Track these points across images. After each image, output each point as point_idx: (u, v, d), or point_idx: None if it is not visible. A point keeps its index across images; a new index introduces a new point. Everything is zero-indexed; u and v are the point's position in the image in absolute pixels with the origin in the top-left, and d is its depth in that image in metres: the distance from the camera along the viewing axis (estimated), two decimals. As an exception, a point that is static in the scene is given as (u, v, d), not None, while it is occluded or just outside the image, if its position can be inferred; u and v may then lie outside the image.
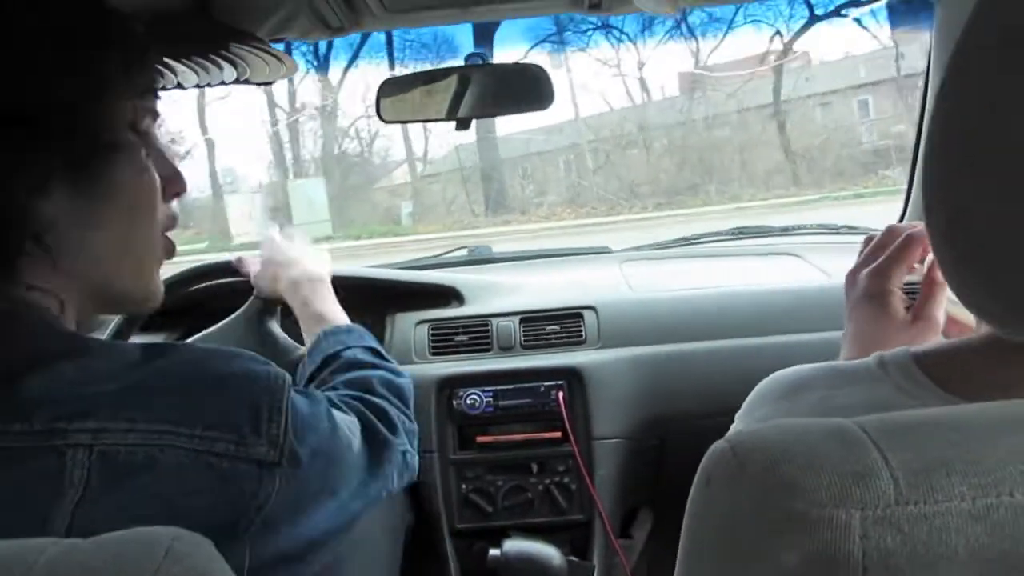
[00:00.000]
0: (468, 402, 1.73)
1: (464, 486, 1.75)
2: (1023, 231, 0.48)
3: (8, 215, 0.62)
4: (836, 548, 0.46)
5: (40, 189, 0.64)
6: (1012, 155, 0.48)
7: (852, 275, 0.87)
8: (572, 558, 1.65)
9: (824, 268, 1.93)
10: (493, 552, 1.58)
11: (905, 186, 1.89)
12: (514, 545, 1.59)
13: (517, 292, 1.92)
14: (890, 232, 0.84)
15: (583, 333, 1.80)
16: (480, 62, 1.46)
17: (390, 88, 1.49)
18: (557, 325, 1.82)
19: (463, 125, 1.46)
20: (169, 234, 0.80)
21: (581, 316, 1.82)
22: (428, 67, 1.49)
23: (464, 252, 2.28)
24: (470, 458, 1.76)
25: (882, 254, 0.84)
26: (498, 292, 1.92)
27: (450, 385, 1.76)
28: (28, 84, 0.62)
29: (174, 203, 0.80)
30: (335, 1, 1.23)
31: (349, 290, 1.52)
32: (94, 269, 0.69)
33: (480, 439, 1.75)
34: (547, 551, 1.60)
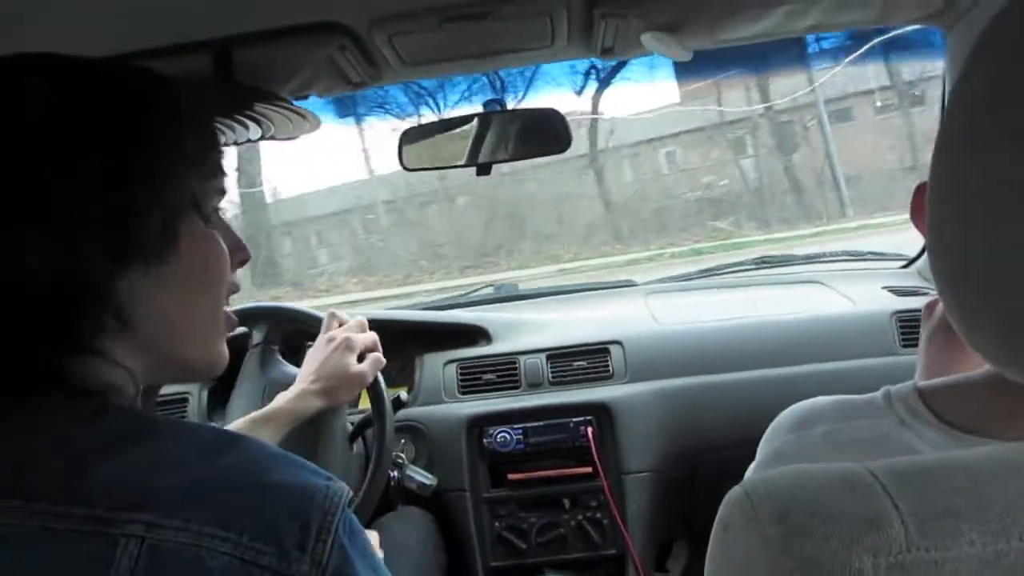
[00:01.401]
0: (499, 440, 1.75)
1: (497, 524, 1.77)
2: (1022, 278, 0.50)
3: (89, 292, 0.65)
4: None
5: (118, 267, 0.66)
6: (1006, 205, 0.50)
7: (929, 306, 0.88)
8: (606, 593, 1.65)
9: (848, 295, 1.93)
10: None
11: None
12: None
13: (543, 329, 1.95)
14: None
15: (610, 368, 1.82)
16: (498, 108, 1.51)
17: (412, 136, 1.54)
18: (584, 361, 1.84)
19: (484, 171, 1.49)
20: None
21: (608, 351, 1.84)
22: (447, 116, 1.52)
23: (490, 290, 2.31)
24: (503, 496, 1.77)
25: None
26: (525, 330, 1.95)
27: (480, 424, 1.78)
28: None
29: (238, 272, 0.83)
30: (355, 58, 1.28)
31: (378, 332, 1.55)
32: (164, 342, 0.71)
33: (512, 476, 1.77)
34: None
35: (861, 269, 2.12)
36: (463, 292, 2.30)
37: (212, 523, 0.60)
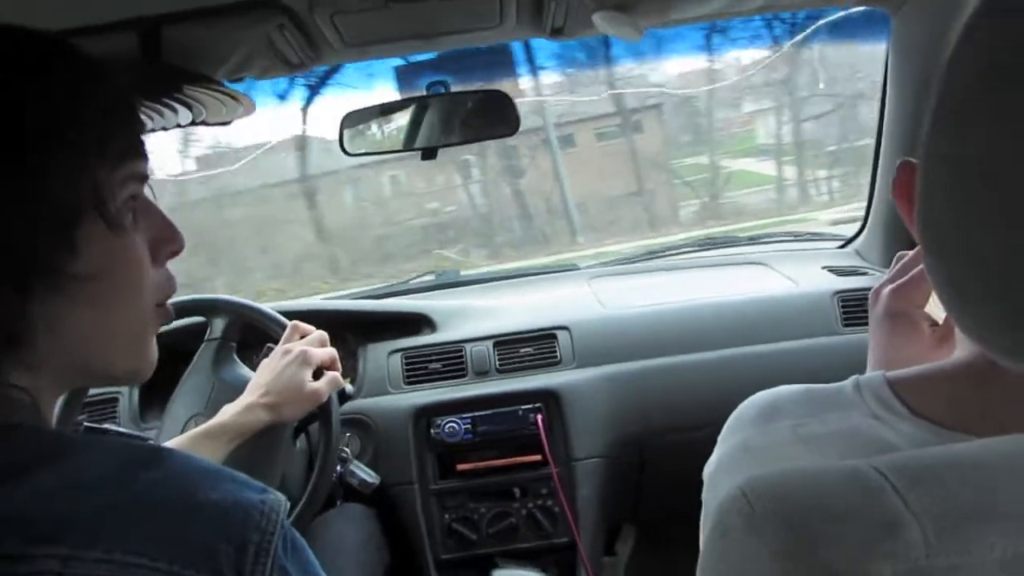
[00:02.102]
0: (447, 430, 1.71)
1: (447, 516, 1.73)
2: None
3: None
4: None
5: (16, 289, 0.58)
6: (1008, 193, 0.48)
7: (876, 292, 0.86)
8: (562, 582, 1.64)
9: (791, 275, 1.94)
10: None
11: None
12: (506, 574, 1.58)
13: (489, 316, 1.91)
14: (921, 252, 0.84)
15: (558, 353, 1.80)
16: (442, 90, 1.45)
17: (353, 120, 1.47)
18: (531, 347, 1.81)
19: (429, 155, 1.44)
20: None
21: (555, 336, 1.82)
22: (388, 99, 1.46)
23: (431, 277, 2.26)
24: (452, 487, 1.74)
25: (909, 272, 0.83)
26: (470, 317, 1.91)
27: (427, 414, 1.74)
28: None
29: (168, 265, 0.73)
30: (294, 39, 1.21)
31: (317, 323, 1.49)
32: (74, 355, 0.63)
33: (461, 467, 1.73)
34: None
35: (801, 249, 2.15)
36: (403, 280, 2.23)
37: (137, 551, 0.54)
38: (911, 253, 0.84)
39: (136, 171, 0.66)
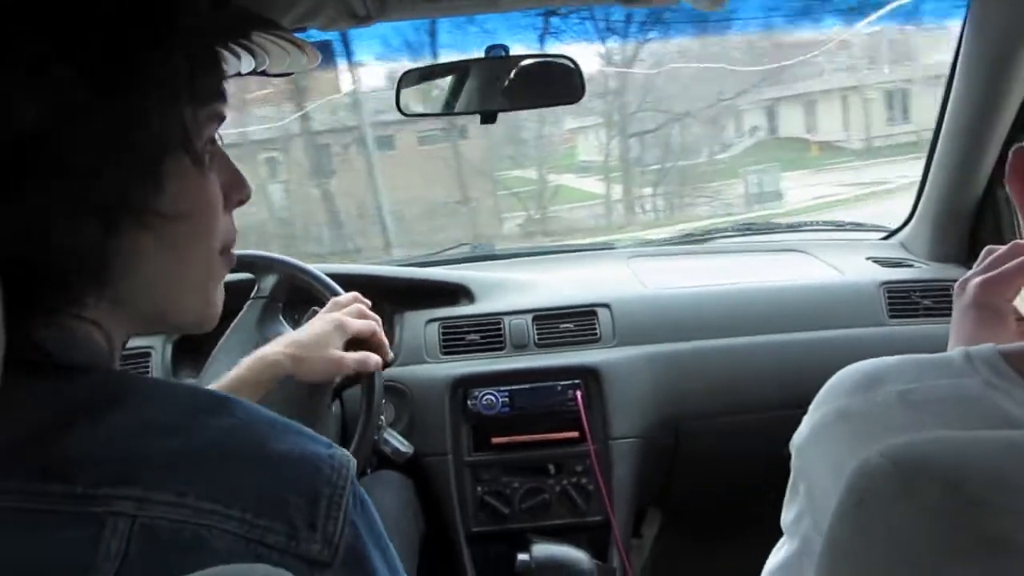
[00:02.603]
0: (484, 403, 1.69)
1: (480, 488, 1.71)
2: None
3: (65, 256, 0.55)
4: None
5: (103, 222, 0.56)
6: None
7: (963, 283, 0.85)
8: (596, 561, 1.62)
9: (835, 264, 1.92)
10: (522, 557, 1.54)
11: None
12: (543, 549, 1.56)
13: (528, 290, 1.88)
14: (1015, 247, 0.81)
15: (598, 331, 1.77)
16: (503, 54, 1.42)
17: (410, 79, 1.44)
18: (571, 323, 1.79)
19: (489, 119, 1.41)
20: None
21: (595, 314, 1.79)
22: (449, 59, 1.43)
23: (467, 248, 2.23)
24: (486, 460, 1.72)
25: (999, 267, 0.82)
26: (509, 290, 1.88)
27: (464, 385, 1.72)
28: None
29: (233, 214, 0.72)
30: None
31: (354, 289, 1.47)
32: (149, 297, 0.62)
33: (496, 440, 1.71)
34: (576, 555, 1.56)
35: (842, 239, 2.12)
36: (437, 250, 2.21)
37: (211, 497, 0.53)
38: (1003, 248, 0.83)
39: (218, 112, 0.66)
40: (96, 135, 0.55)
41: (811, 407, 0.67)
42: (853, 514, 0.52)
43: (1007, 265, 0.80)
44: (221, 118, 0.66)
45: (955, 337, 0.83)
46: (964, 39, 1.49)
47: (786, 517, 0.67)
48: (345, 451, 0.61)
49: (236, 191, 0.71)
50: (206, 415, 0.58)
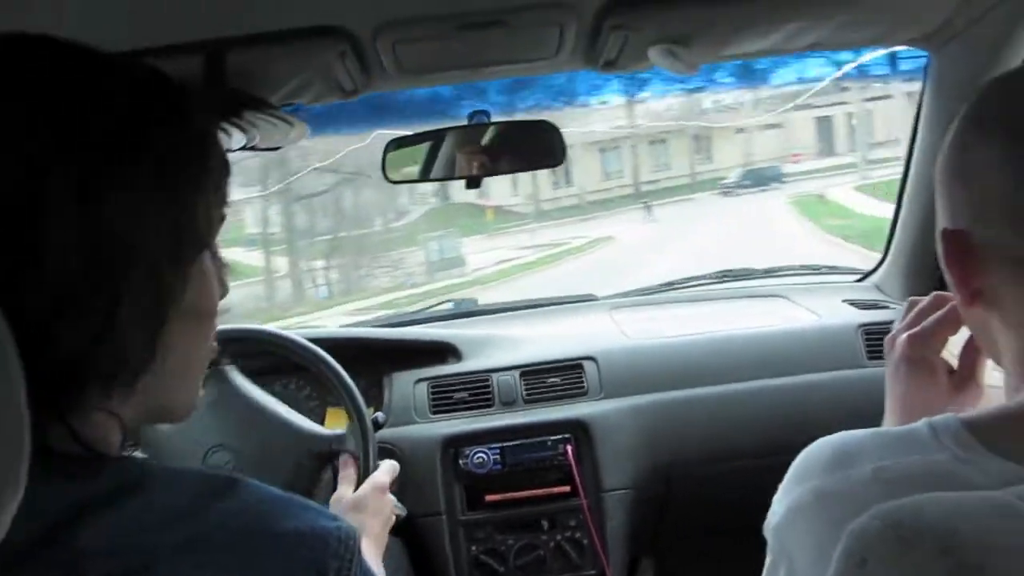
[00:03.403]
0: (475, 461, 1.70)
1: (474, 548, 1.71)
2: None
3: (115, 354, 0.57)
4: None
5: (157, 318, 0.59)
6: None
7: (892, 339, 0.87)
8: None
9: (812, 308, 1.96)
10: None
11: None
12: None
13: (514, 345, 1.91)
14: (937, 299, 0.84)
15: (585, 384, 1.79)
16: (485, 120, 1.46)
17: (395, 147, 1.48)
18: (558, 377, 1.81)
19: (474, 184, 1.45)
20: None
21: (582, 367, 1.82)
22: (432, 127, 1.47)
23: (450, 305, 2.25)
24: (480, 518, 1.72)
25: (924, 319, 0.84)
26: (495, 346, 1.90)
27: (455, 444, 1.72)
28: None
29: None
30: (352, 65, 1.21)
31: (343, 352, 1.48)
32: (161, 386, 0.63)
33: (489, 498, 1.72)
34: None
35: (819, 283, 2.17)
36: (421, 308, 2.23)
37: None
38: (925, 300, 0.85)
39: (225, 216, 0.69)
40: (153, 234, 0.58)
41: (782, 488, 0.67)
42: (856, 574, 0.54)
43: (931, 319, 0.82)
44: (224, 218, 0.69)
45: (891, 393, 0.85)
46: (926, 89, 1.56)
47: None
48: (351, 523, 0.63)
49: (222, 289, 0.72)
50: (215, 499, 0.59)
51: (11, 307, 0.49)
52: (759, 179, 27.23)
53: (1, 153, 0.53)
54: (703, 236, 18.16)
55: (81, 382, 0.56)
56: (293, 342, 1.49)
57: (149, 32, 1.06)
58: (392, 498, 1.32)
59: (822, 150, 36.99)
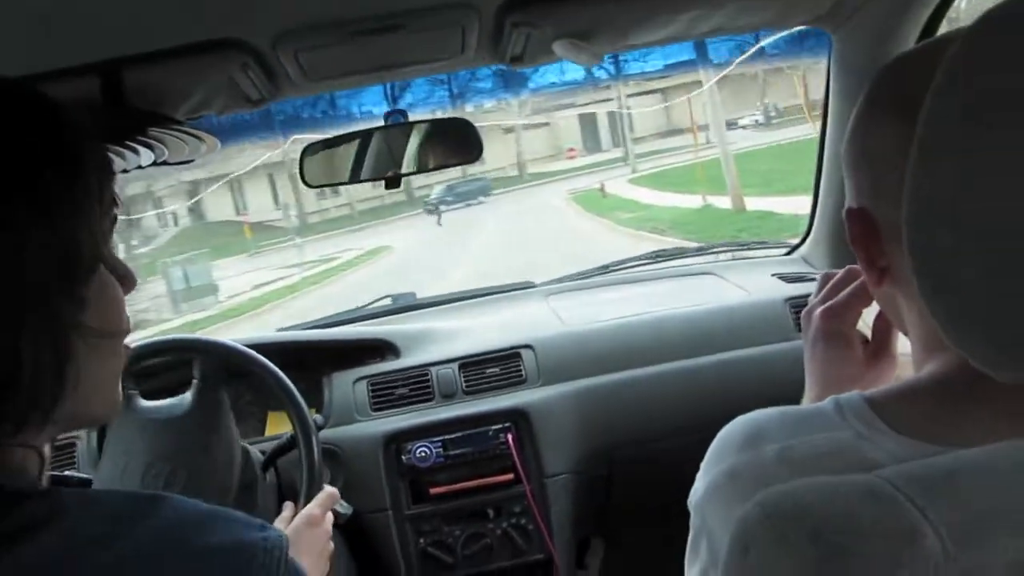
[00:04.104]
0: (418, 455, 1.72)
1: (422, 540, 1.73)
2: (1012, 286, 0.52)
3: (24, 381, 0.56)
4: None
5: (55, 350, 0.58)
6: (993, 221, 0.52)
7: (807, 313, 0.88)
8: (538, 600, 1.66)
9: (742, 284, 2.00)
10: None
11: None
12: None
13: (451, 338, 1.92)
14: (849, 272, 0.86)
15: (523, 372, 1.82)
16: (401, 119, 1.47)
17: (313, 151, 1.47)
18: (497, 367, 1.83)
19: (394, 183, 1.45)
20: None
21: (519, 355, 1.84)
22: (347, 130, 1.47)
23: (388, 301, 2.25)
24: (425, 511, 1.74)
25: (837, 293, 0.86)
26: (432, 340, 1.91)
27: (397, 440, 1.74)
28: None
29: None
30: (256, 76, 1.21)
31: (280, 356, 1.49)
32: (76, 406, 0.61)
33: (434, 491, 1.74)
34: None
35: (748, 258, 2.21)
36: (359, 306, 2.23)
37: None
38: (839, 273, 0.87)
39: (116, 216, 0.68)
40: (36, 262, 0.57)
41: (703, 465, 0.69)
42: (739, 563, 0.56)
43: (844, 292, 0.84)
44: (115, 222, 0.68)
45: (809, 367, 0.87)
46: (831, 69, 1.60)
47: (690, 573, 0.68)
48: (279, 531, 0.62)
49: (127, 285, 0.71)
50: (135, 520, 0.58)
51: None
52: (462, 195, 27.09)
53: None
54: (491, 239, 17.68)
55: None
56: (232, 349, 1.49)
57: (43, 56, 1.05)
58: (328, 530, 1.31)
59: (590, 147, 37.68)
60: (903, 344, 0.84)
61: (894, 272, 0.65)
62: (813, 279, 1.96)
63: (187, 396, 1.45)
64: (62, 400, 0.59)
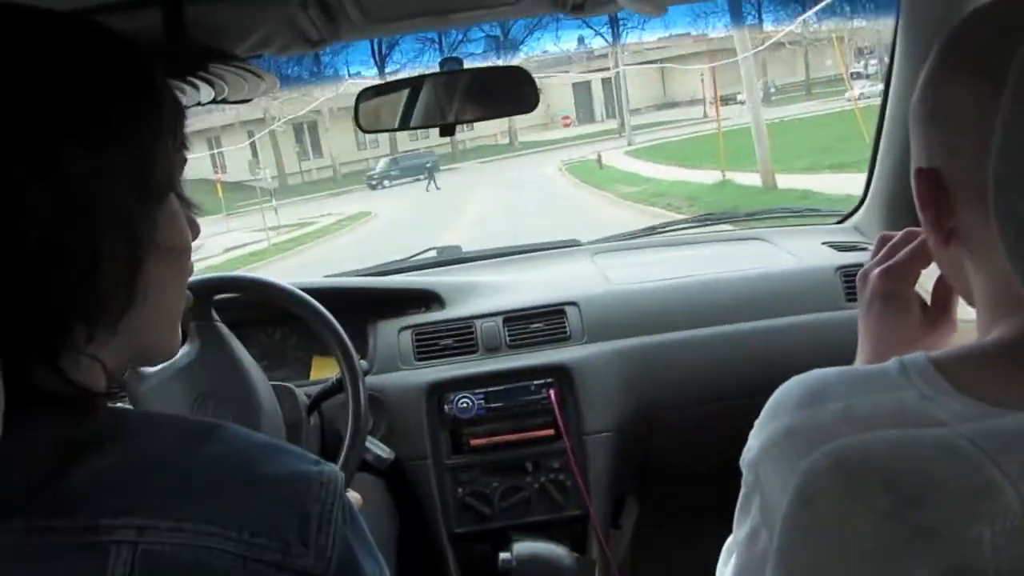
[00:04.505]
0: (460, 406, 1.73)
1: (460, 490, 1.75)
2: None
3: (108, 291, 0.59)
4: (970, 563, 0.47)
5: (131, 260, 0.60)
6: None
7: (863, 275, 0.87)
8: (576, 554, 1.66)
9: (792, 251, 1.97)
10: (504, 556, 1.58)
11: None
12: (524, 547, 1.60)
13: (497, 292, 1.92)
14: (909, 234, 0.84)
15: (567, 329, 1.81)
16: (458, 67, 1.45)
17: (369, 95, 1.47)
18: (541, 323, 1.83)
19: (448, 131, 1.44)
20: None
21: (564, 312, 1.83)
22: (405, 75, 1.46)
23: (433, 253, 2.26)
24: (465, 462, 1.76)
25: (895, 255, 0.84)
26: (478, 293, 1.92)
27: (440, 390, 1.75)
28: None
29: None
30: (316, 15, 1.20)
31: (327, 302, 1.50)
32: (143, 330, 0.65)
33: (474, 442, 1.75)
34: (556, 551, 1.61)
35: (799, 225, 2.18)
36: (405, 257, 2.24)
37: (207, 520, 0.57)
38: (898, 235, 0.85)
39: (187, 154, 0.71)
40: (118, 181, 0.60)
41: (757, 424, 0.68)
42: (803, 514, 0.56)
43: (903, 252, 0.82)
44: (185, 162, 0.71)
45: (863, 329, 0.85)
46: (899, 26, 1.55)
47: (739, 533, 0.68)
48: (333, 466, 0.64)
49: (194, 227, 0.74)
50: (198, 443, 0.61)
51: None
52: (407, 169, 25.98)
53: None
54: (484, 208, 16.80)
55: (67, 326, 0.58)
56: (283, 290, 1.50)
57: None
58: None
59: (583, 116, 36.49)
60: (962, 310, 0.83)
61: (963, 234, 0.63)
62: (865, 248, 1.94)
63: (193, 342, 1.46)
64: (131, 308, 0.61)
